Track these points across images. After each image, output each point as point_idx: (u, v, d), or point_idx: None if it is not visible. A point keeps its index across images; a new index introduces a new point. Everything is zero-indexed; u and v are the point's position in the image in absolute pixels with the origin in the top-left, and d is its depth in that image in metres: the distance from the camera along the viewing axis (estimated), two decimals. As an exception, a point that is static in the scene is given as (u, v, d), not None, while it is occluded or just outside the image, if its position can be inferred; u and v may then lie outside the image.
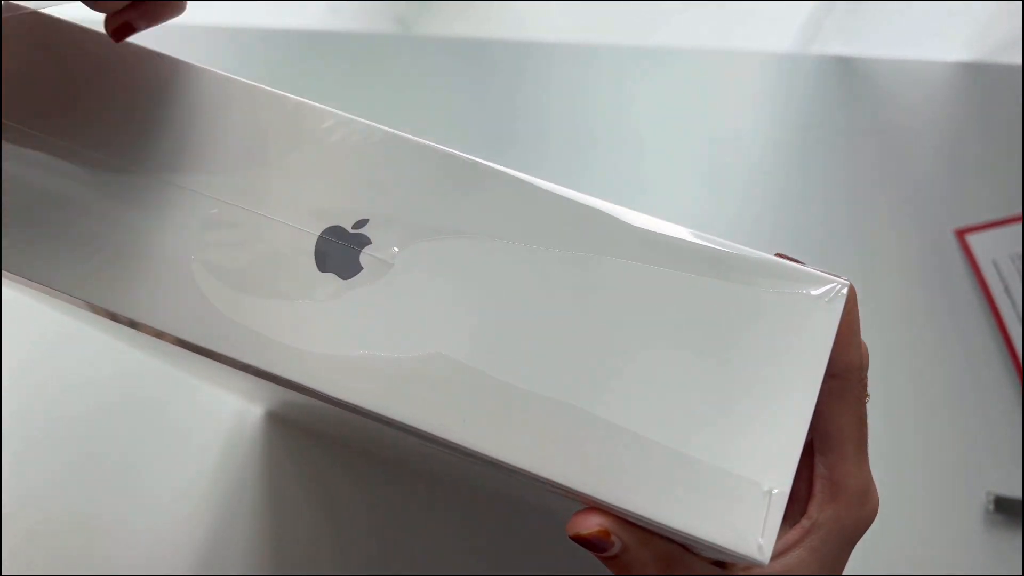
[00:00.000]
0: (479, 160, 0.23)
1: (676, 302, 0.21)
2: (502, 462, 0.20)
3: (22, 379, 0.51)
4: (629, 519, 0.20)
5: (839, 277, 0.21)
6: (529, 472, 0.20)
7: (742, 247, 0.21)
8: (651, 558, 0.21)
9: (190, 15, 0.25)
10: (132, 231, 0.22)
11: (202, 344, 0.21)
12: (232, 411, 0.51)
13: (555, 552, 0.47)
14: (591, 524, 0.20)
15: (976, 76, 0.60)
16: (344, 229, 0.22)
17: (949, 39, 0.60)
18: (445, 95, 0.61)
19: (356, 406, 0.21)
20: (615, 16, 0.66)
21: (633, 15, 0.66)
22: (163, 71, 0.24)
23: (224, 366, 0.23)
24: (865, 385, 0.23)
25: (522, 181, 0.22)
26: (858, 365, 0.22)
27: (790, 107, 0.60)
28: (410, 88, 0.60)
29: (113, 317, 0.22)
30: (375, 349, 0.21)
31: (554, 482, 0.20)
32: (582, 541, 0.20)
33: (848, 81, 0.60)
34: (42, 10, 0.24)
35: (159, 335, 0.22)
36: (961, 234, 0.55)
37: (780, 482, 0.20)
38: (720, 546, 0.19)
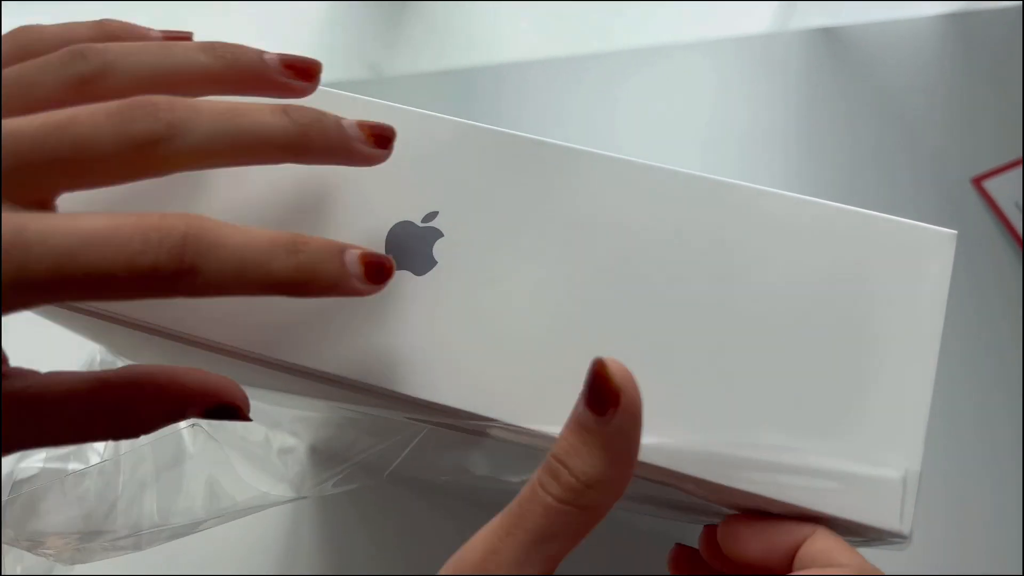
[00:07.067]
0: (545, 139, 0.21)
1: (779, 273, 0.20)
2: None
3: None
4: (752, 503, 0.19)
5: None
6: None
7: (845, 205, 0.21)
8: None
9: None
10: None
11: (274, 356, 0.20)
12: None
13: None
14: None
15: (959, 25, 0.60)
16: (414, 223, 0.21)
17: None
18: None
19: (441, 406, 0.19)
20: (585, 25, 0.66)
21: (603, 21, 0.66)
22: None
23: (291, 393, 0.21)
24: None
25: (584, 152, 0.21)
26: None
27: (785, 83, 0.59)
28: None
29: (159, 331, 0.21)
30: (455, 348, 0.19)
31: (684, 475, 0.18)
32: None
33: (837, 50, 0.60)
34: None
35: (213, 347, 0.20)
36: (978, 181, 0.54)
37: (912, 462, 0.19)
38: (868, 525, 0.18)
